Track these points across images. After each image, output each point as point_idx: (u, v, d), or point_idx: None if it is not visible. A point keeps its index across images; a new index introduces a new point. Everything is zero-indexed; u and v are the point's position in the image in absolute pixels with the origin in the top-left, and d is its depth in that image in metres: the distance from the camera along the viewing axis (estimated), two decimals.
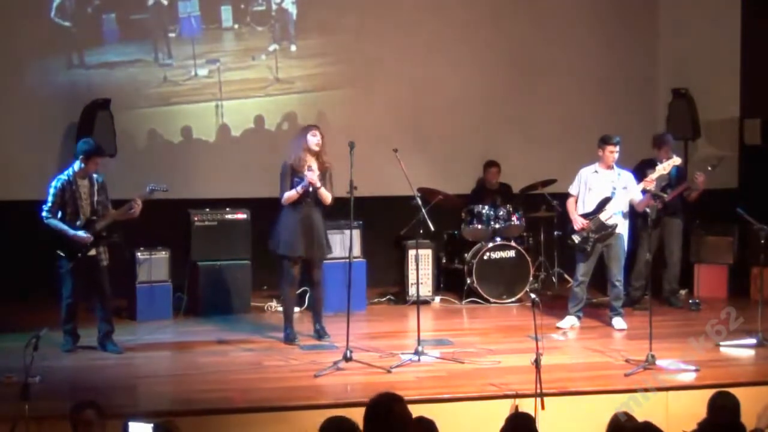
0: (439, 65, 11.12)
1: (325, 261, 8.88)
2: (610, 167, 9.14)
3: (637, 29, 11.68)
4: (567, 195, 9.44)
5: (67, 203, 8.10)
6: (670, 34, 11.70)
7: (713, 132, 11.49)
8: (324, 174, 8.42)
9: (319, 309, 8.78)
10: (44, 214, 8.10)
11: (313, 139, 8.41)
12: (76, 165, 8.16)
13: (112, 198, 8.43)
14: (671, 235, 9.98)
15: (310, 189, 8.36)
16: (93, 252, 8.17)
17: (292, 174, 8.43)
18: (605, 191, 9.11)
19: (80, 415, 5.35)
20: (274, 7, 10.94)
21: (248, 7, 10.87)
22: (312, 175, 8.32)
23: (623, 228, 9.16)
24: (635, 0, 11.74)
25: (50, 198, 8.10)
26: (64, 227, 8.07)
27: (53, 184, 8.13)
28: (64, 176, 8.15)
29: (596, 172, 9.19)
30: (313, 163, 8.40)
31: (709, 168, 9.73)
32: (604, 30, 11.51)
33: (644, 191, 9.07)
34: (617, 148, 9.06)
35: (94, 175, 8.23)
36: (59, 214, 8.08)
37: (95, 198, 8.22)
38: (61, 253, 8.10)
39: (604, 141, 9.10)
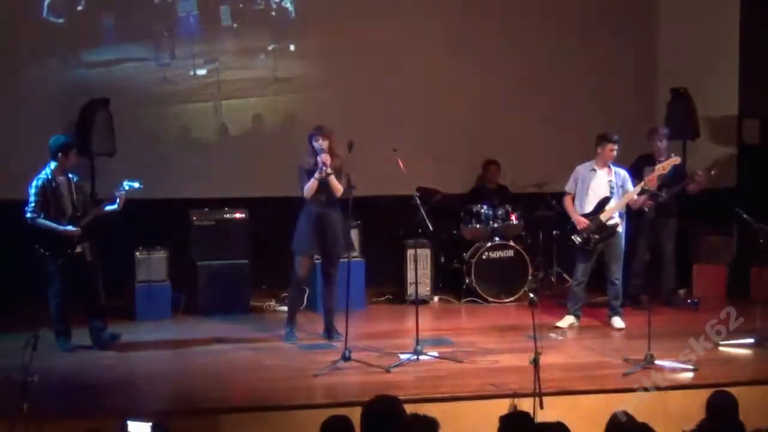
0: (438, 65, 11.11)
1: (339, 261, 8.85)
2: (606, 165, 9.14)
3: (637, 29, 11.68)
4: (565, 194, 9.44)
5: (50, 202, 8.12)
6: (669, 34, 11.70)
7: (712, 131, 11.49)
8: (338, 172, 8.41)
9: (330, 307, 8.75)
10: (29, 215, 8.11)
11: (317, 145, 8.42)
12: (53, 164, 8.19)
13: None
14: (666, 234, 9.97)
15: (325, 170, 8.32)
16: (79, 249, 8.19)
17: (307, 173, 8.46)
18: (603, 191, 9.12)
19: None
20: (273, 6, 10.93)
21: (247, 6, 10.86)
22: (325, 156, 8.32)
23: (621, 227, 9.17)
24: (635, 0, 11.75)
25: (33, 198, 8.12)
26: (53, 224, 8.10)
27: (33, 184, 8.15)
28: (42, 175, 8.19)
29: (593, 170, 9.19)
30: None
31: (712, 173, 9.77)
32: (604, 30, 11.50)
33: (643, 190, 9.08)
34: (617, 147, 9.08)
35: (69, 175, 8.28)
36: (42, 214, 8.11)
37: (74, 196, 8.25)
38: (48, 253, 8.11)
39: (605, 139, 9.09)
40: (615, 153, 9.10)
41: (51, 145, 8.25)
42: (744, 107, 11.66)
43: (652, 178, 9.03)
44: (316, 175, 8.37)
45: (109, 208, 8.30)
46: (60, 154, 8.17)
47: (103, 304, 8.46)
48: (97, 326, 8.37)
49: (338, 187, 8.41)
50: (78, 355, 8.23)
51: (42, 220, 8.11)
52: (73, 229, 8.12)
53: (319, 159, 8.35)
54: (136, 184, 8.35)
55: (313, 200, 8.47)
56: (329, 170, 8.33)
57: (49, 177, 8.17)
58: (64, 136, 8.45)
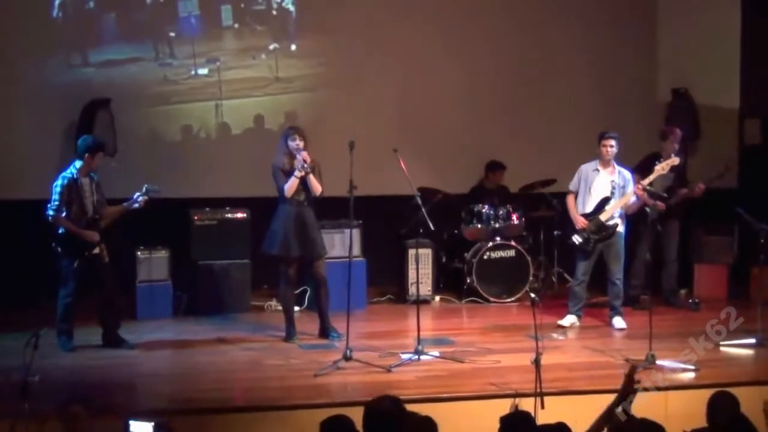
0: (439, 65, 11.12)
1: (325, 260, 8.86)
2: (609, 164, 9.14)
3: (637, 29, 11.68)
4: (566, 194, 9.44)
5: (73, 201, 8.12)
6: (670, 34, 11.70)
7: (713, 132, 11.48)
8: (313, 169, 8.45)
9: (325, 307, 8.75)
10: (51, 213, 8.09)
11: (293, 144, 8.44)
12: (78, 163, 8.18)
13: (111, 197, 8.48)
14: (668, 234, 9.96)
15: (306, 167, 8.35)
16: (97, 250, 8.20)
17: (283, 173, 8.47)
18: (605, 191, 9.11)
19: (67, 411, 5.36)
20: (274, 6, 10.93)
21: (248, 6, 10.86)
22: (305, 154, 8.36)
23: (621, 226, 9.16)
24: (635, 0, 11.75)
25: (56, 197, 8.09)
26: (75, 227, 8.09)
27: (58, 182, 8.12)
28: (68, 174, 8.15)
29: (597, 170, 9.19)
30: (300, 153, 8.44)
31: (722, 171, 9.75)
32: (604, 30, 11.50)
33: (646, 190, 9.08)
34: (612, 143, 9.06)
35: (92, 174, 8.28)
36: (64, 213, 8.09)
37: (95, 197, 8.26)
38: (65, 253, 8.10)
39: (601, 136, 9.14)
40: (612, 149, 9.08)
41: (79, 145, 8.28)
42: (745, 107, 11.65)
43: (639, 187, 9.02)
44: (296, 173, 8.39)
45: (136, 205, 8.31)
46: (87, 155, 8.17)
47: (120, 304, 8.48)
48: (112, 326, 8.38)
49: (317, 186, 8.45)
50: (79, 354, 8.23)
51: (65, 220, 8.10)
52: (94, 233, 8.13)
53: (298, 157, 8.37)
54: (156, 187, 8.39)
55: (291, 201, 8.47)
56: (309, 168, 8.35)
57: (75, 176, 8.15)
58: (92, 136, 8.48)
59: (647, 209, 9.12)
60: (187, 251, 9.97)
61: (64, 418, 5.40)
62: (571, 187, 9.36)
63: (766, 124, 11.55)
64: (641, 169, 9.34)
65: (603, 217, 9.06)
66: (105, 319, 8.41)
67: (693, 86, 11.25)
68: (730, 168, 9.85)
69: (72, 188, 8.12)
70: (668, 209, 9.72)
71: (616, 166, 9.17)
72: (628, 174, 9.21)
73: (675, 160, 9.21)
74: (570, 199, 9.33)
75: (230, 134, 10.96)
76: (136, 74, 10.57)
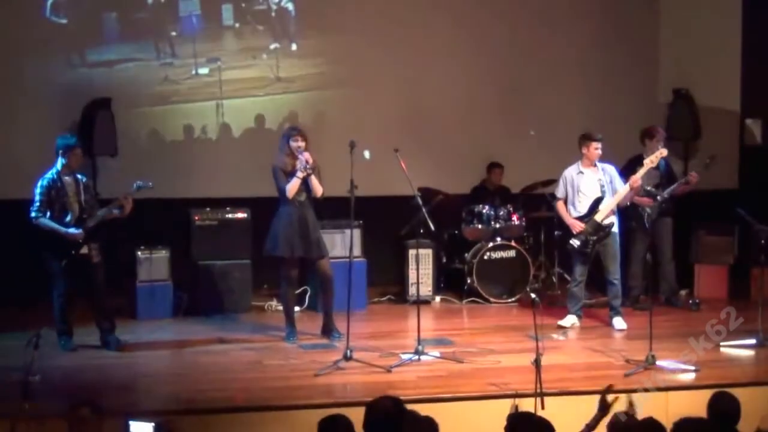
0: (439, 65, 11.12)
1: (329, 259, 8.87)
2: (593, 164, 9.12)
3: (638, 29, 11.68)
4: (555, 202, 9.40)
5: (54, 201, 8.12)
6: (670, 34, 11.70)
7: (713, 132, 11.48)
8: (314, 170, 8.46)
9: (330, 306, 8.76)
10: (33, 214, 8.10)
11: (294, 144, 8.44)
12: (59, 163, 8.19)
13: (111, 197, 8.46)
14: (662, 234, 9.94)
15: (308, 168, 8.35)
16: (85, 250, 8.19)
17: (284, 173, 8.48)
18: (595, 191, 9.09)
19: (75, 413, 5.37)
20: (274, 6, 10.94)
21: (249, 6, 10.88)
22: (307, 155, 8.37)
23: (616, 225, 9.15)
24: (635, 0, 11.75)
25: (37, 197, 8.11)
26: (56, 225, 8.09)
27: (39, 183, 8.14)
28: (49, 175, 8.18)
29: (581, 172, 9.16)
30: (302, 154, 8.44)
31: (707, 161, 9.73)
32: (605, 30, 11.51)
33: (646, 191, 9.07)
34: (600, 145, 9.04)
35: (78, 175, 8.27)
36: (47, 214, 8.10)
37: (82, 197, 8.24)
38: (51, 253, 8.10)
39: (589, 138, 9.06)
40: (599, 151, 9.05)
41: (56, 145, 8.26)
42: (746, 108, 11.65)
43: (636, 179, 9.00)
44: (299, 173, 8.39)
45: (116, 211, 8.29)
46: (61, 152, 8.18)
47: (107, 305, 8.46)
48: (104, 327, 8.38)
49: (318, 187, 8.46)
50: (79, 354, 8.24)
51: (45, 220, 8.10)
52: (76, 232, 8.11)
53: (300, 157, 8.38)
54: (149, 184, 8.35)
55: (293, 201, 8.48)
56: (311, 169, 8.36)
57: (54, 177, 8.16)
58: (68, 136, 8.45)
59: (648, 209, 9.11)
60: (188, 251, 9.98)
61: (71, 420, 5.41)
62: (558, 194, 9.31)
63: (766, 124, 11.54)
64: (627, 173, 9.31)
65: (598, 217, 9.03)
66: (96, 320, 8.40)
67: (693, 86, 11.24)
68: (715, 159, 9.81)
69: (53, 188, 8.12)
70: (661, 207, 9.69)
71: (598, 164, 9.13)
72: (611, 168, 9.16)
73: (663, 152, 9.17)
74: (560, 205, 9.27)
75: (231, 134, 10.96)
76: (137, 74, 10.58)
